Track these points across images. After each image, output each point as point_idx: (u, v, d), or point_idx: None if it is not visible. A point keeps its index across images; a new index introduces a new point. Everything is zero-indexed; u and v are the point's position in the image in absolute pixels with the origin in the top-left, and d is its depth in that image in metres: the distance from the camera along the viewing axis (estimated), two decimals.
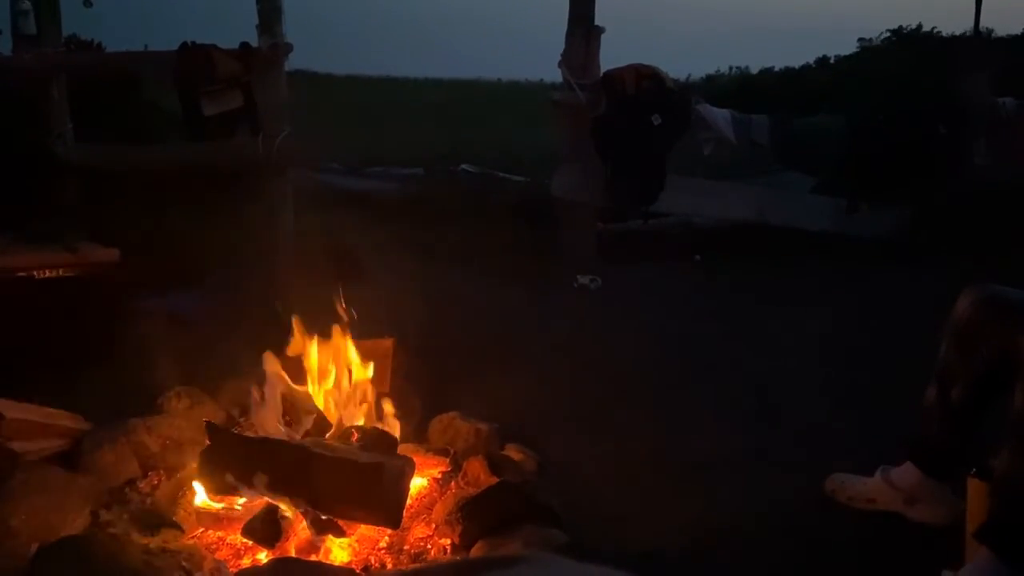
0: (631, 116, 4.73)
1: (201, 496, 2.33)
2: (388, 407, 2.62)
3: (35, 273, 3.34)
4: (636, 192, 4.94)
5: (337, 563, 2.13)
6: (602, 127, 4.80)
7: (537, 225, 5.17)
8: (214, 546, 2.22)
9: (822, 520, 2.42)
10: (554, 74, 5.18)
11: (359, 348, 2.71)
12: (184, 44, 4.35)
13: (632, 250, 5.19)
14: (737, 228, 5.27)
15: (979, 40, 6.41)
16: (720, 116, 5.00)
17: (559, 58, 4.99)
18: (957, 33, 8.18)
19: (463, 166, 6.72)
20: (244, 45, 4.35)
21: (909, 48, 8.29)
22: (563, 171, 5.10)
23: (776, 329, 3.89)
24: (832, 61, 9.30)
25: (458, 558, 2.13)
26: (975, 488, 2.02)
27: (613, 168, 4.82)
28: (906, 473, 2.40)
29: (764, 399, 3.18)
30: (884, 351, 3.55)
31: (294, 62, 4.83)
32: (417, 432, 2.76)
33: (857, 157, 4.96)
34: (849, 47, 9.28)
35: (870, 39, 9.13)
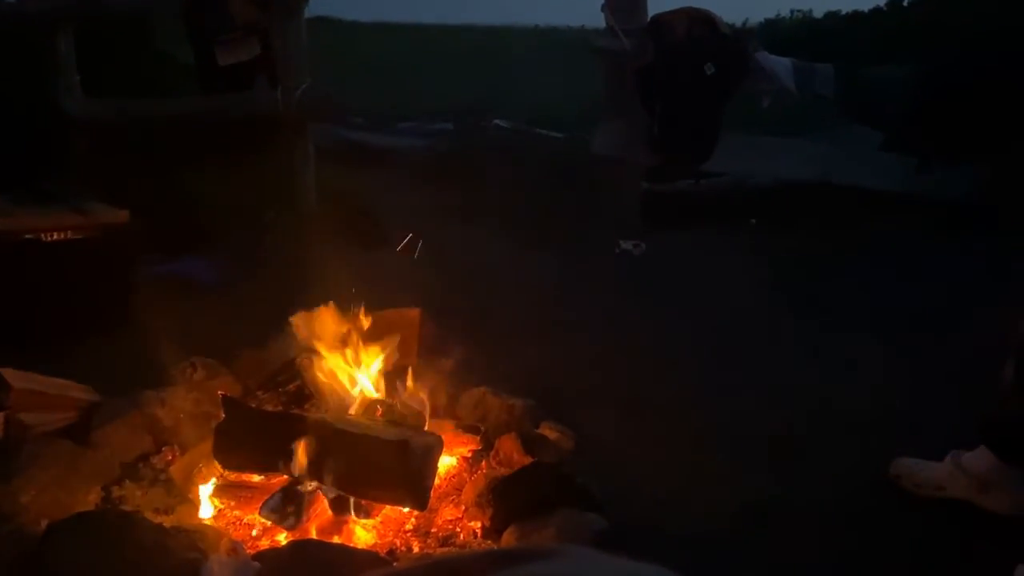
0: (681, 65, 4.67)
1: (217, 472, 2.36)
2: (414, 381, 2.63)
3: (41, 235, 3.38)
4: (686, 149, 4.88)
5: (360, 546, 2.15)
6: (649, 77, 4.74)
7: (576, 186, 5.14)
8: (231, 526, 2.26)
9: (884, 507, 2.39)
10: (596, 19, 5.13)
11: (384, 318, 2.72)
12: None
13: (680, 213, 5.15)
14: (797, 189, 5.18)
15: None
16: (780, 65, 4.91)
17: (602, 1, 4.91)
18: None
19: (496, 121, 6.69)
20: None
21: None
22: (605, 126, 5.06)
23: (838, 301, 3.84)
24: (905, 3, 9.05)
25: (490, 546, 2.14)
26: None
27: (660, 123, 4.76)
28: (979, 458, 2.35)
29: (823, 376, 3.14)
30: (956, 324, 3.47)
31: (315, 8, 4.84)
32: (446, 408, 2.77)
33: (931, 110, 4.84)
34: None
35: None
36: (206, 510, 2.30)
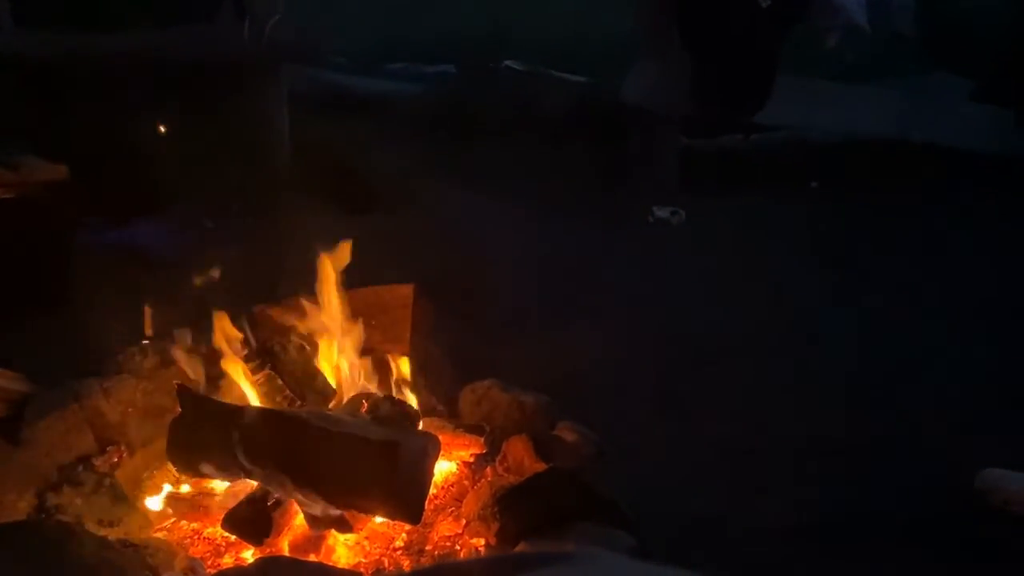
0: None
1: (172, 478, 2.38)
2: (407, 371, 2.64)
3: None
4: (734, 98, 4.86)
5: (341, 565, 2.17)
6: (691, 11, 4.71)
7: (602, 141, 5.13)
8: (188, 540, 2.28)
9: (967, 527, 2.39)
10: None
11: (370, 297, 2.73)
12: None
13: (727, 174, 5.13)
14: (867, 147, 5.16)
15: None
16: None
17: None
18: None
19: (507, 62, 6.66)
20: None
21: None
22: (638, 70, 5.03)
23: (916, 279, 3.83)
24: None
25: (490, 554, 2.16)
26: None
27: (704, 66, 4.73)
28: None
29: (894, 371, 3.14)
30: None
31: None
32: (445, 404, 2.78)
33: None
34: None
35: None
36: (159, 521, 2.32)
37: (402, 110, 5.95)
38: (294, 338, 2.67)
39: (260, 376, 2.63)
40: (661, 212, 4.70)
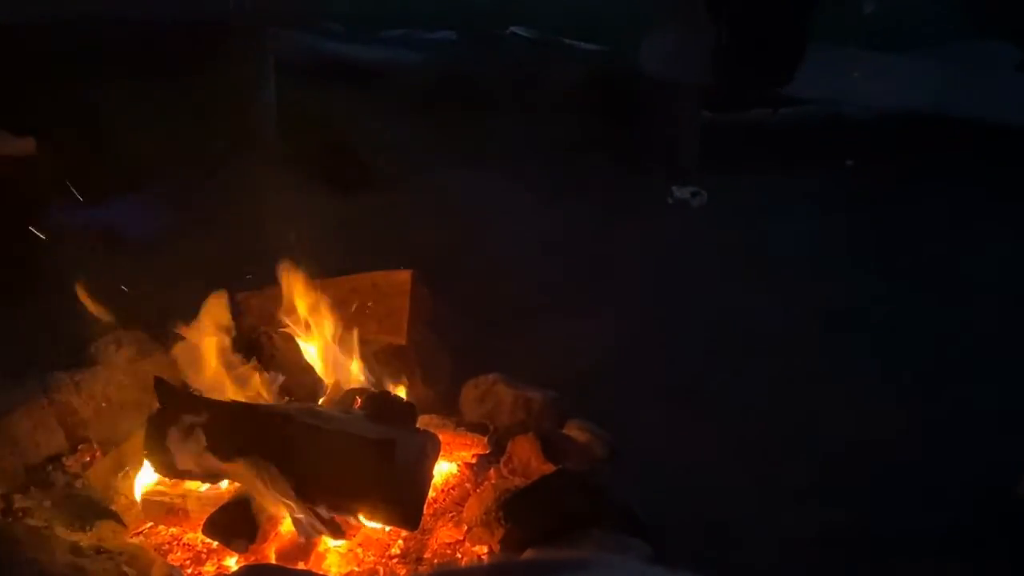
0: None
1: (149, 479, 2.38)
2: (405, 364, 2.64)
3: None
4: (762, 67, 4.83)
5: (333, 573, 2.17)
6: None
7: (617, 115, 5.11)
8: (166, 546, 2.28)
9: (1009, 539, 2.39)
10: None
11: (365, 284, 2.73)
12: None
13: (753, 152, 5.11)
14: (906, 122, 5.13)
15: None
16: None
17: None
18: None
19: (513, 28, 6.65)
20: None
21: None
22: (656, 37, 5.01)
23: (962, 270, 3.81)
24: None
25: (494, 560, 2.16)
26: None
27: (729, 31, 4.71)
28: None
29: (933, 365, 3.13)
30: None
31: None
32: (445, 400, 2.78)
33: None
34: None
35: None
36: (135, 526, 2.32)
37: (400, 80, 5.93)
38: (281, 328, 2.66)
39: (245, 368, 2.62)
40: (681, 193, 4.69)
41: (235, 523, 2.21)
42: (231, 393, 2.41)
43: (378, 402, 2.42)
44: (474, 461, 2.54)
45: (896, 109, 5.21)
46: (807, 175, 4.89)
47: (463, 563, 2.21)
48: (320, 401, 2.48)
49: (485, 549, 2.23)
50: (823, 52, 4.94)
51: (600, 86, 5.40)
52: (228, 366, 2.48)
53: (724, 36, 4.70)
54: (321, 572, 2.17)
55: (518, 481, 2.37)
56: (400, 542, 2.27)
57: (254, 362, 2.61)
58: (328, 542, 2.22)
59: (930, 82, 5.12)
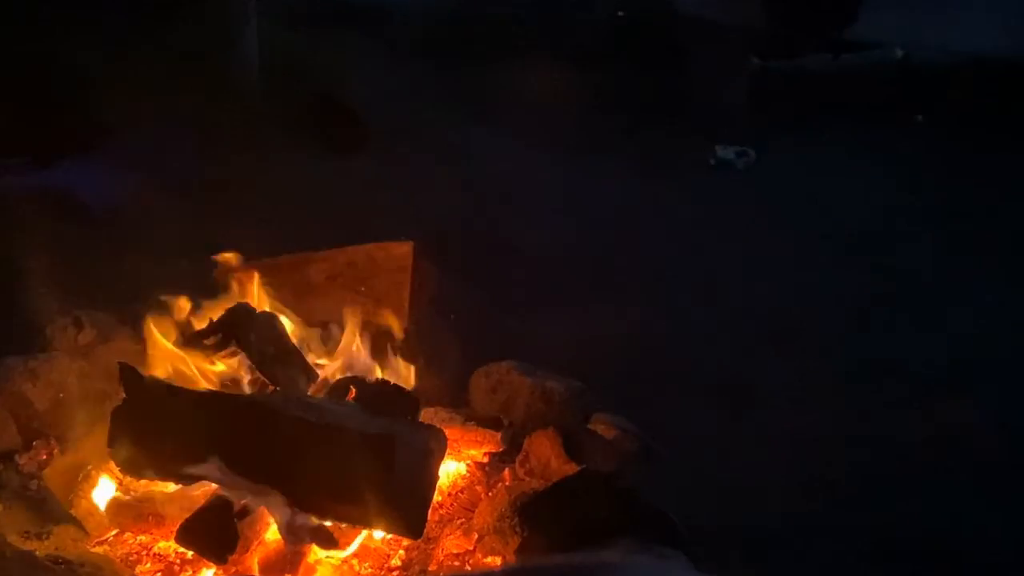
0: None
1: (113, 479, 2.40)
2: (407, 349, 2.65)
3: None
4: (820, 6, 4.83)
5: None
6: None
7: (652, 64, 5.10)
8: (134, 557, 2.29)
9: None
10: None
11: (360, 258, 2.73)
12: None
13: (809, 105, 5.10)
14: (987, 70, 5.10)
15: None
16: None
17: None
18: None
19: None
20: None
21: None
22: None
23: None
24: None
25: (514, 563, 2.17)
26: None
27: None
28: None
29: (1007, 361, 3.12)
30: None
31: None
32: (452, 390, 2.78)
33: None
34: None
35: None
36: (98, 533, 2.33)
37: (400, 23, 5.93)
38: (265, 307, 2.67)
39: (223, 354, 2.64)
40: (725, 153, 4.68)
41: (213, 530, 2.21)
42: (206, 382, 2.43)
43: (376, 392, 2.42)
44: (486, 460, 2.54)
45: (974, 54, 5.19)
46: (871, 132, 4.87)
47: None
48: (310, 391, 2.48)
49: (499, 560, 2.24)
50: None
51: (631, 30, 5.39)
52: (203, 350, 2.49)
53: None
54: None
55: (536, 483, 2.37)
56: (401, 552, 2.27)
57: (233, 345, 2.62)
58: (319, 552, 2.23)
59: (1015, 22, 5.10)
